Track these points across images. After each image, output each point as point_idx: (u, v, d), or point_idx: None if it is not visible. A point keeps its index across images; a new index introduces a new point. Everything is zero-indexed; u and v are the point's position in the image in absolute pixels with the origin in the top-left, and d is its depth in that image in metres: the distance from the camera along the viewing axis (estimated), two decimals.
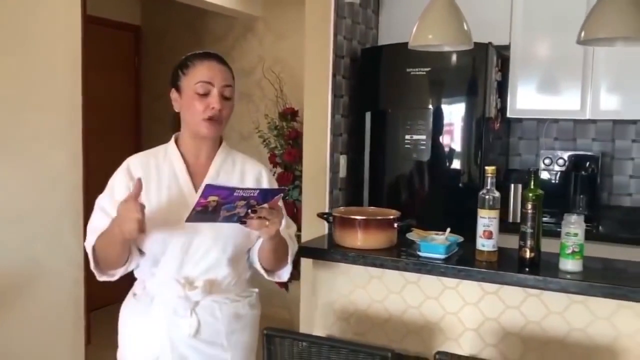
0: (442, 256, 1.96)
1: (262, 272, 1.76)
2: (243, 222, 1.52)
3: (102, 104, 4.42)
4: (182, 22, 4.78)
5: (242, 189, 1.44)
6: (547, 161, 3.49)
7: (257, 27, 4.55)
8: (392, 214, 2.15)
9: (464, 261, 1.95)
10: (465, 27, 2.09)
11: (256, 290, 1.79)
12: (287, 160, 4.03)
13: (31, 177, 2.51)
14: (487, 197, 1.92)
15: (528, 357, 1.89)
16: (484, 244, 1.93)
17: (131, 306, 1.71)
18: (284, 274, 1.79)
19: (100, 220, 1.62)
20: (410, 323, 2.07)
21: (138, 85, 4.97)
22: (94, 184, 3.56)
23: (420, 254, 1.99)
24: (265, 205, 1.51)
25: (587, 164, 3.41)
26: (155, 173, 1.66)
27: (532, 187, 1.87)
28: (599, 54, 3.20)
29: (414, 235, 2.16)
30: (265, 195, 1.49)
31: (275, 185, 1.79)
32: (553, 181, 3.52)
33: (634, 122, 3.43)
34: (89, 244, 1.63)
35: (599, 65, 3.22)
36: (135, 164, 1.67)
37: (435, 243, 1.99)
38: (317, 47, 3.16)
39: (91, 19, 3.91)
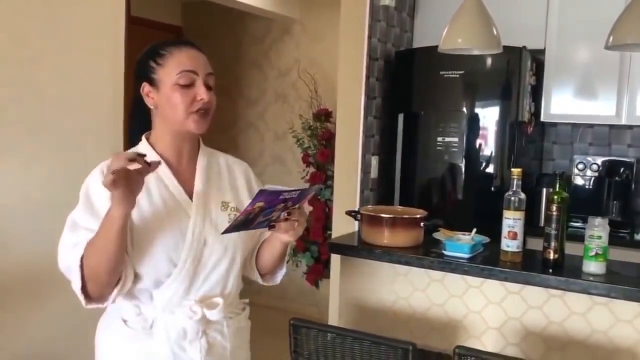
0: (467, 255, 2.00)
1: (258, 277, 1.64)
2: (272, 227, 1.41)
3: None
4: (221, 23, 4.90)
5: (287, 192, 1.31)
6: (580, 166, 3.47)
7: (293, 30, 4.64)
8: (419, 213, 2.20)
9: (488, 261, 1.98)
10: (495, 32, 2.13)
11: (247, 300, 1.64)
12: (320, 161, 4.10)
13: (74, 171, 2.61)
14: (512, 198, 1.95)
15: (549, 357, 1.92)
16: (508, 245, 1.96)
17: (121, 333, 1.45)
18: (279, 276, 1.65)
19: (80, 235, 1.37)
20: (434, 320, 2.11)
21: None
22: None
23: (445, 253, 2.04)
24: (296, 206, 1.40)
25: (622, 169, 3.38)
26: None
27: (557, 189, 1.89)
28: (635, 59, 3.18)
29: (440, 234, 2.20)
30: (302, 195, 1.37)
31: (260, 182, 1.62)
32: (587, 187, 3.50)
33: None
34: (75, 258, 1.34)
35: (636, 71, 3.20)
36: None
37: (461, 243, 2.03)
38: (351, 49, 3.22)
39: (134, 19, 4.06)
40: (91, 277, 1.34)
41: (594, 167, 3.44)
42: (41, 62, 2.47)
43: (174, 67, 1.41)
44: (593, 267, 1.83)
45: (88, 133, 2.68)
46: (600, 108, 3.32)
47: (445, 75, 3.24)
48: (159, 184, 1.43)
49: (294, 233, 1.43)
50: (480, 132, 3.23)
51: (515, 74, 3.14)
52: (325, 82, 4.36)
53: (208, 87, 1.43)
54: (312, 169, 4.20)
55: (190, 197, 1.45)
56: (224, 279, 1.48)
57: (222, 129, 4.94)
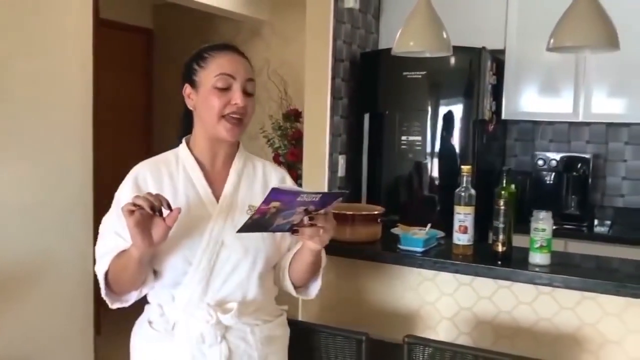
0: (421, 249, 2.08)
1: (291, 289, 1.59)
2: (295, 231, 1.37)
3: (114, 105, 4.61)
4: (192, 25, 4.95)
5: (306, 193, 1.28)
6: (540, 162, 3.59)
7: (263, 31, 4.71)
8: (377, 209, 2.28)
9: (441, 254, 2.07)
10: (444, 35, 2.22)
11: (286, 307, 1.64)
12: (291, 160, 4.17)
13: (44, 172, 2.67)
14: (462, 194, 2.04)
15: (499, 344, 2.01)
16: (459, 238, 2.05)
17: (146, 335, 1.51)
18: (314, 289, 1.62)
19: (109, 243, 1.44)
20: (392, 311, 2.20)
21: (149, 86, 5.15)
22: (103, 180, 3.76)
23: (401, 247, 2.12)
24: (322, 211, 1.36)
25: (579, 165, 3.51)
26: (169, 183, 1.47)
27: (504, 184, 1.98)
28: (590, 58, 3.30)
29: (398, 229, 2.28)
30: (325, 200, 1.33)
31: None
32: (547, 182, 3.62)
33: (627, 125, 3.52)
34: (100, 270, 1.43)
35: (591, 69, 3.32)
36: (143, 175, 1.47)
37: (415, 237, 2.11)
38: (317, 51, 3.29)
39: (104, 22, 4.09)
40: (113, 287, 1.45)
41: (553, 163, 3.56)
42: (9, 65, 2.50)
43: (213, 69, 1.46)
44: (538, 258, 1.93)
45: (57, 135, 2.72)
46: (558, 106, 3.44)
47: (409, 76, 3.33)
48: (187, 184, 1.47)
49: (319, 240, 1.39)
50: (443, 130, 3.33)
51: (476, 74, 3.24)
52: (295, 82, 4.43)
53: (246, 93, 1.46)
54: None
55: (218, 199, 1.48)
56: (244, 283, 1.46)
57: None
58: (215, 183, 1.50)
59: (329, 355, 1.81)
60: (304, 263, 1.51)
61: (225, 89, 1.44)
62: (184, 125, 1.58)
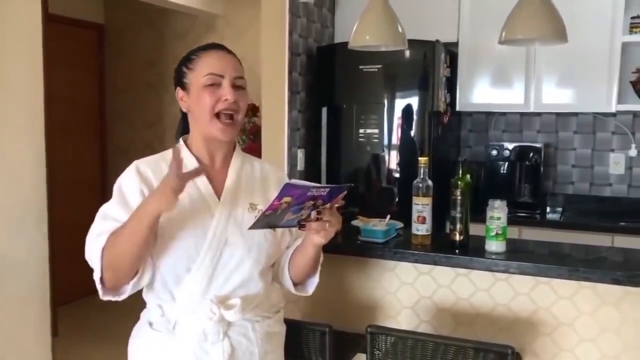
0: (381, 240, 2.11)
1: (290, 285, 1.62)
2: (302, 226, 1.41)
3: (66, 101, 4.49)
4: (144, 20, 4.86)
5: (316, 188, 1.30)
6: (494, 152, 3.68)
7: (218, 25, 4.66)
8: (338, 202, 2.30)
9: (400, 244, 2.11)
10: (400, 29, 2.25)
11: (282, 304, 1.66)
12: None
13: None
14: (420, 185, 2.08)
15: (459, 330, 2.06)
16: (418, 229, 2.09)
17: (146, 337, 1.50)
18: (312, 286, 1.65)
19: (107, 225, 1.40)
20: (354, 303, 2.23)
21: (101, 82, 5.04)
22: (57, 179, 3.68)
23: (361, 238, 2.15)
24: (327, 205, 1.40)
25: (531, 154, 3.61)
26: None
27: (460, 175, 2.03)
28: (540, 50, 3.39)
29: (358, 221, 2.31)
30: (332, 194, 1.36)
31: None
32: (501, 171, 3.71)
33: (575, 114, 3.64)
34: (97, 247, 1.38)
35: (541, 61, 3.42)
36: (145, 167, 1.47)
37: (375, 228, 2.14)
38: (273, 45, 3.29)
39: (53, 17, 3.99)
40: (110, 265, 1.37)
41: (506, 152, 3.65)
42: None
43: (202, 69, 1.48)
44: (494, 246, 1.98)
45: (8, 136, 2.64)
46: (511, 97, 3.53)
47: (365, 69, 3.36)
48: (190, 183, 1.43)
49: (325, 234, 1.43)
50: (400, 122, 3.38)
51: (431, 66, 3.29)
52: (252, 77, 4.36)
53: (236, 87, 1.49)
54: None
55: (220, 197, 1.49)
56: (247, 280, 1.48)
57: (148, 124, 4.92)
58: (215, 182, 1.50)
59: (293, 348, 1.82)
60: (306, 258, 1.54)
61: (215, 86, 1.46)
62: (182, 127, 1.60)
